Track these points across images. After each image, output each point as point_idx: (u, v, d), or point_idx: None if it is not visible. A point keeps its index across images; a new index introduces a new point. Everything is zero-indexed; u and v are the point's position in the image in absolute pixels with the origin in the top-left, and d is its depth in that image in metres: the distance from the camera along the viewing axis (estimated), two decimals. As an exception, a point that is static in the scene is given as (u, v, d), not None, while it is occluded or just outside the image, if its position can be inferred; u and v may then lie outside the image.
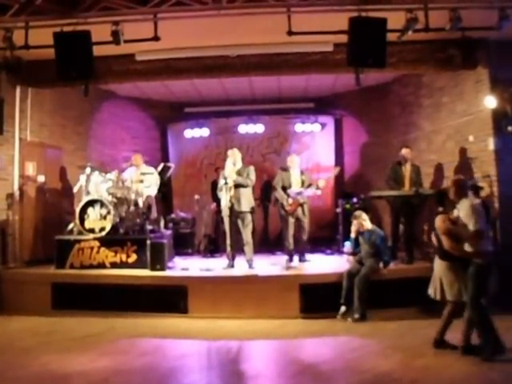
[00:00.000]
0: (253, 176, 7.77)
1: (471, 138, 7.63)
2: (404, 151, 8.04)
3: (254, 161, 10.25)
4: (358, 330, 6.05)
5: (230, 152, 7.95)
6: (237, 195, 7.54)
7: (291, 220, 8.02)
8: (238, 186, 7.57)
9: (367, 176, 10.63)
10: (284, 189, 8.09)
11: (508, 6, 5.59)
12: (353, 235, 7.03)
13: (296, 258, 8.14)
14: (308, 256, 8.30)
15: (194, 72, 7.78)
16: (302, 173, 8.35)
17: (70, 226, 8.07)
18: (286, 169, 8.36)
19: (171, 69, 7.65)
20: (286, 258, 8.02)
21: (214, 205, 9.71)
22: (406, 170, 7.93)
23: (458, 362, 4.82)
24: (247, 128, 11.20)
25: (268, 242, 10.39)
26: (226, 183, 7.48)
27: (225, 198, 7.51)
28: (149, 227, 8.02)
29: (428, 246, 7.66)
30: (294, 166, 8.32)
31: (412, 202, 7.60)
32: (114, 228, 7.77)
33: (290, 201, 7.93)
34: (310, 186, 8.16)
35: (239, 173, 7.68)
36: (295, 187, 8.08)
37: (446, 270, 5.16)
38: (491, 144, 7.20)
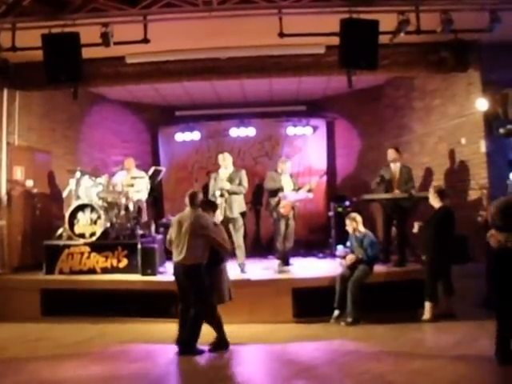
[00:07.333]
0: (245, 182, 7.76)
1: (463, 141, 7.64)
2: (388, 152, 7.96)
3: (245, 164, 10.18)
4: (352, 334, 6.01)
5: (220, 157, 7.91)
6: (229, 202, 7.54)
7: (283, 223, 7.96)
8: (231, 193, 7.57)
9: (360, 179, 10.60)
10: (275, 191, 8.03)
11: (499, 8, 5.61)
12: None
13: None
14: (292, 260, 8.23)
15: (185, 75, 7.75)
16: (291, 176, 8.31)
17: (60, 231, 7.97)
18: (276, 171, 8.31)
19: (161, 71, 7.60)
20: (278, 261, 7.95)
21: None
22: (395, 171, 7.87)
23: (450, 364, 4.79)
24: (238, 131, 11.14)
25: (260, 246, 10.32)
26: (221, 195, 7.47)
27: (220, 209, 7.46)
28: (140, 232, 7.92)
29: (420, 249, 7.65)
30: (286, 171, 8.26)
31: (404, 204, 7.56)
32: (105, 233, 7.68)
33: (285, 203, 7.87)
34: (299, 189, 8.13)
35: (231, 177, 7.66)
36: (287, 190, 8.03)
37: None
38: (483, 146, 7.23)
